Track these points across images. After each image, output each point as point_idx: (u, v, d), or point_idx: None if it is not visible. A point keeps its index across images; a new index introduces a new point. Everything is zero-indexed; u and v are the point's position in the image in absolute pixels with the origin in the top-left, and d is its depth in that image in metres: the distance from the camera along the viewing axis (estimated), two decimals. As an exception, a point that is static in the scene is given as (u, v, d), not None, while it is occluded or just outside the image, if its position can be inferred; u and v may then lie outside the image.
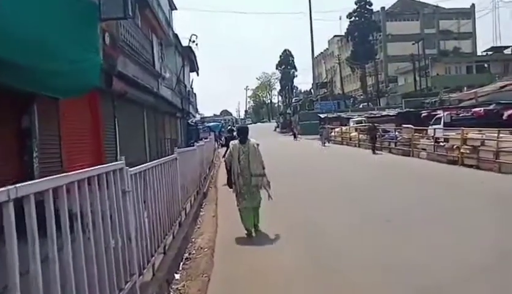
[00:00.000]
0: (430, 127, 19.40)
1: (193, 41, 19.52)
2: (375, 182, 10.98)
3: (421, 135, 17.71)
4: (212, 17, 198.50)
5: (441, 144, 14.81)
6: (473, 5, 65.19)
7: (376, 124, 21.28)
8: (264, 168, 6.38)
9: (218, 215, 7.63)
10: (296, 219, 7.04)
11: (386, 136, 21.51)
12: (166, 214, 5.02)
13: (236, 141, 6.61)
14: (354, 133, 26.58)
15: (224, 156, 8.96)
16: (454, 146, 13.67)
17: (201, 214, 8.11)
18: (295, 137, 37.35)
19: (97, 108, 8.63)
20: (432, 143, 15.66)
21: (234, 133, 10.42)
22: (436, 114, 23.57)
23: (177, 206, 5.95)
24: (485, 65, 51.69)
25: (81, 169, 2.73)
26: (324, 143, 28.69)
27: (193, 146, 13.63)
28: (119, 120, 10.15)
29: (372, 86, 61.34)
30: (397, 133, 20.12)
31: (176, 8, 27.99)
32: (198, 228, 6.92)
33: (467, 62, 54.09)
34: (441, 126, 18.45)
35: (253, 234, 6.16)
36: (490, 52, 54.35)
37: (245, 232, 6.17)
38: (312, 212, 7.51)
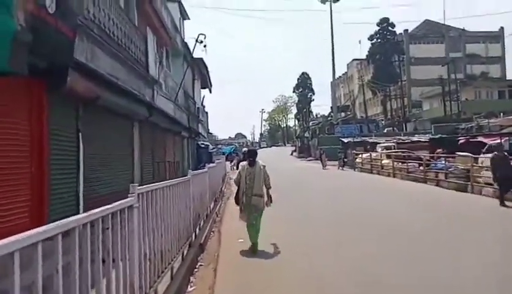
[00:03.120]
0: (482, 155, 16.13)
1: (201, 42, 16.64)
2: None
3: (480, 165, 14.23)
4: (228, 38, 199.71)
5: (519, 178, 11.35)
6: (502, 28, 62.14)
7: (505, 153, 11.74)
8: (269, 188, 6.87)
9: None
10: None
11: (432, 166, 17.94)
12: None
13: (245, 163, 7.14)
14: (386, 161, 23.13)
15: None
16: (540, 182, 10.29)
17: (189, 289, 4.92)
18: (324, 166, 31.44)
19: (41, 115, 5.67)
20: (503, 177, 12.16)
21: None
22: (478, 140, 20.46)
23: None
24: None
25: None
26: (343, 167, 29.81)
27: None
28: (86, 136, 7.18)
29: (394, 110, 57.96)
30: (446, 162, 16.55)
31: (188, 18, 25.69)
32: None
33: (499, 87, 50.58)
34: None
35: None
36: (524, 77, 50.94)
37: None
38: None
